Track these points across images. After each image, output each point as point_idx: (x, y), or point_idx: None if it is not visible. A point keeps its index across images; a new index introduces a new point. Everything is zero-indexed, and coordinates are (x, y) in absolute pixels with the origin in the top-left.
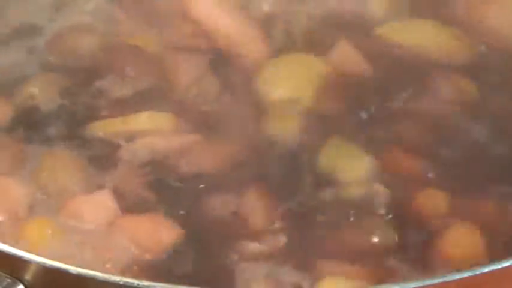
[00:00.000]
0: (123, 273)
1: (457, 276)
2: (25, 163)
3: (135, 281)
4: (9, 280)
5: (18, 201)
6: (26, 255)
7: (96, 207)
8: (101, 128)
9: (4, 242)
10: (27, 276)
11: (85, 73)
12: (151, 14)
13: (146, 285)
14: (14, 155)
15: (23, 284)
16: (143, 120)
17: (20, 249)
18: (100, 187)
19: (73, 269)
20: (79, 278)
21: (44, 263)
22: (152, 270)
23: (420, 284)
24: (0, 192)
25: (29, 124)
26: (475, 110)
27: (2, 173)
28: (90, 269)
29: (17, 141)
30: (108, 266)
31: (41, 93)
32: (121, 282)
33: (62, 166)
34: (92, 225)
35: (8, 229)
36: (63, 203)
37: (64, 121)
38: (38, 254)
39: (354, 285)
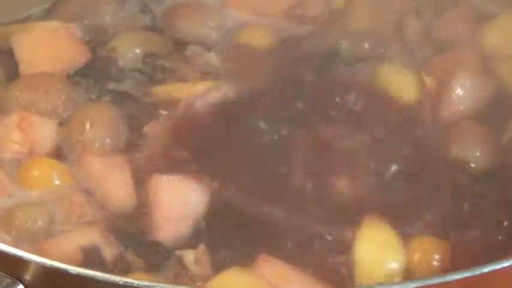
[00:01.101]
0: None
1: (457, 276)
2: (69, 109)
3: (135, 281)
4: (9, 280)
5: (40, 139)
6: (26, 255)
7: (108, 169)
8: (157, 92)
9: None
10: (27, 276)
11: (178, 45)
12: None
13: (146, 285)
14: (60, 98)
15: (23, 284)
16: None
17: (21, 249)
18: (127, 149)
19: (73, 269)
20: (79, 278)
21: (44, 263)
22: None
23: (420, 283)
24: (28, 127)
25: (95, 73)
26: None
27: (42, 112)
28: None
29: (73, 86)
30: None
31: (124, 49)
32: (121, 283)
33: (93, 120)
34: (97, 185)
35: (18, 163)
36: (79, 155)
37: (130, 80)
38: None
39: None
